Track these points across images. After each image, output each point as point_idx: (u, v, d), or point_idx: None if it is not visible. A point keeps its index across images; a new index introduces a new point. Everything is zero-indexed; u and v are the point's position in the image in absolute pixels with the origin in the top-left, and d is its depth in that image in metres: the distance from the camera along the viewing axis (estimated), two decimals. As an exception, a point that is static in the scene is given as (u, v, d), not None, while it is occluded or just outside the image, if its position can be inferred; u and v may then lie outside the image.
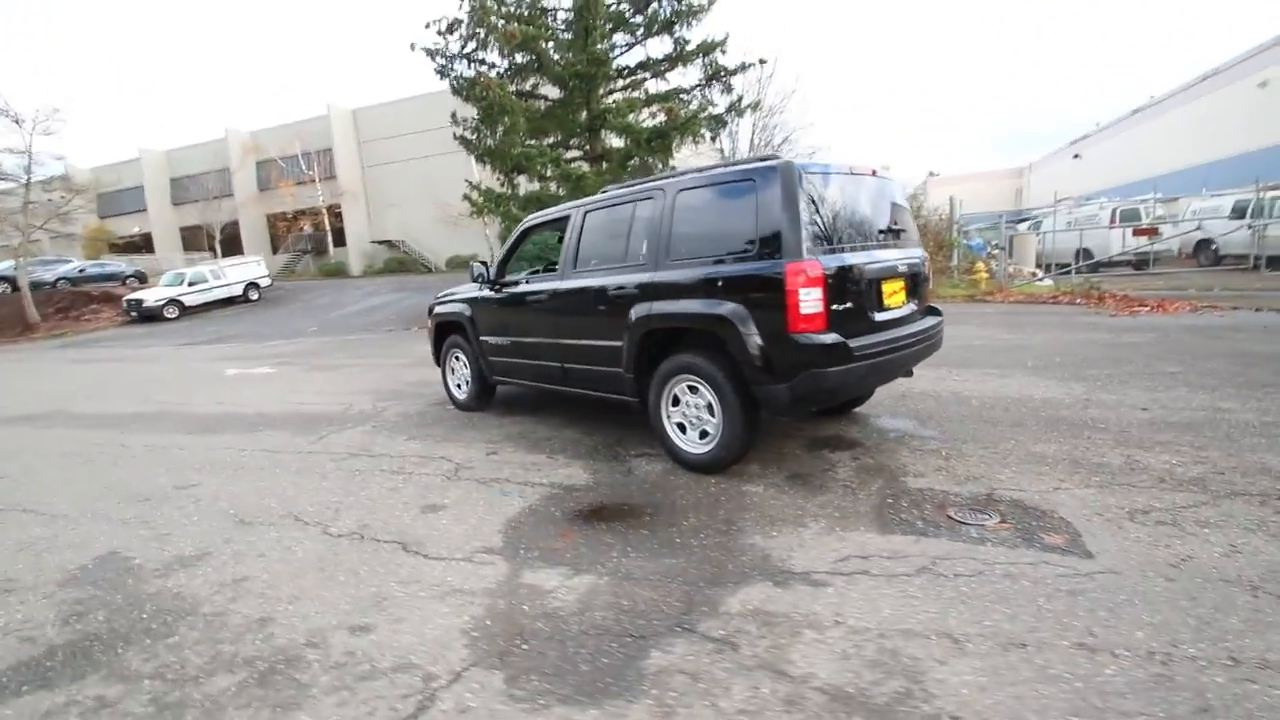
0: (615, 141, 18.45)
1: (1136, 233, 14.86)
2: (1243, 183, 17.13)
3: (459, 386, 5.96)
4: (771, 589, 2.49)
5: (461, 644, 2.27)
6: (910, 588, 2.42)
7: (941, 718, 1.75)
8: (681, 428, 3.90)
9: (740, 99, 16.95)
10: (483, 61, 17.33)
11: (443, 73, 17.17)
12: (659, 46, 18.51)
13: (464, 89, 16.95)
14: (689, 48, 16.74)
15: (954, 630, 2.13)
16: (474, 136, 16.97)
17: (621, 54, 17.41)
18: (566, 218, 4.69)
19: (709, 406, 3.71)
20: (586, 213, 4.49)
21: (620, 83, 17.85)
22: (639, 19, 16.96)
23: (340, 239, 34.10)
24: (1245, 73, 18.64)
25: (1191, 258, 16.80)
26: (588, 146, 17.72)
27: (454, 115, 16.96)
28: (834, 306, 3.34)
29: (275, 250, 34.81)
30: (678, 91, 17.34)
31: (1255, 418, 4.12)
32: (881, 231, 3.85)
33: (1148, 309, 10.28)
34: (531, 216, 5.19)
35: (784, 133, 25.33)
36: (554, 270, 5.31)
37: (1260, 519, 2.76)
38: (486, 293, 5.33)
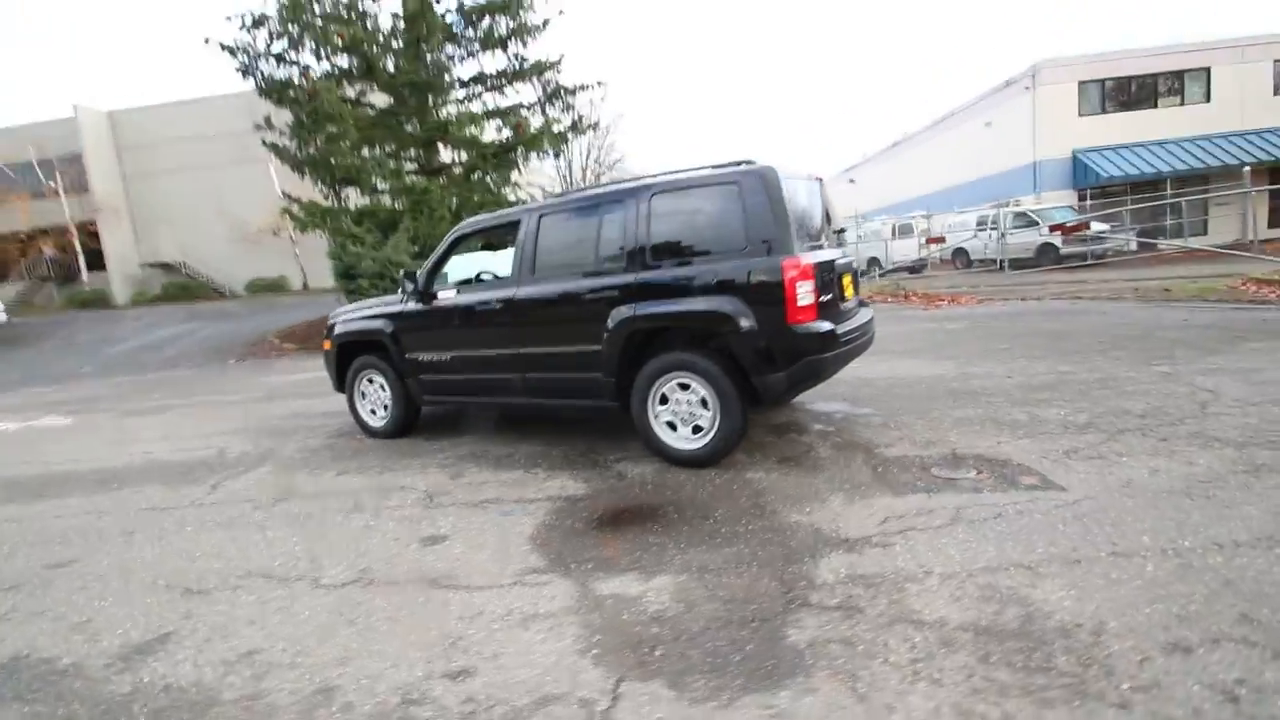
0: (452, 155, 17.78)
1: (929, 241, 17.77)
2: (977, 202, 21.40)
3: (373, 413, 5.35)
4: (847, 556, 2.65)
5: (588, 663, 2.10)
6: (958, 535, 2.74)
7: (1070, 628, 2.04)
8: (671, 426, 3.94)
9: (581, 118, 17.28)
10: (296, 63, 15.67)
11: (247, 71, 15.20)
12: (492, 62, 18.23)
13: (275, 91, 15.19)
14: (526, 64, 16.68)
15: (1021, 561, 2.47)
16: (293, 144, 15.21)
17: (456, 66, 16.84)
18: (515, 223, 4.50)
19: (703, 401, 3.81)
20: (541, 217, 4.35)
21: (457, 94, 17.25)
22: (472, 33, 16.54)
23: (98, 262, 28.26)
24: (976, 114, 23.39)
25: (950, 262, 20.62)
26: (423, 159, 16.81)
27: (268, 119, 15.07)
28: (820, 299, 3.65)
29: (3, 278, 27.80)
30: (518, 107, 17.18)
31: (1090, 375, 5.25)
32: (835, 231, 4.27)
33: (945, 302, 12.40)
34: (465, 223, 4.86)
35: (616, 153, 26.47)
36: (486, 280, 5.06)
37: (1153, 446, 3.56)
38: (413, 306, 4.88)
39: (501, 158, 15.97)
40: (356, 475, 4.39)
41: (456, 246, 4.86)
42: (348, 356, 5.40)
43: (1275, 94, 19.90)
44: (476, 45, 16.65)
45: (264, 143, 15.60)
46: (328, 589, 2.79)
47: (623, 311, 3.90)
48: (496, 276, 5.58)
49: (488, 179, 16.70)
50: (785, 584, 2.49)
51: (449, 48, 16.12)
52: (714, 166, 3.93)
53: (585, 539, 3.08)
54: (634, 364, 3.99)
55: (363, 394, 5.37)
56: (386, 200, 16.46)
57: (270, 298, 25.44)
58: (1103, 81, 20.77)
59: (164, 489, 4.50)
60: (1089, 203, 19.84)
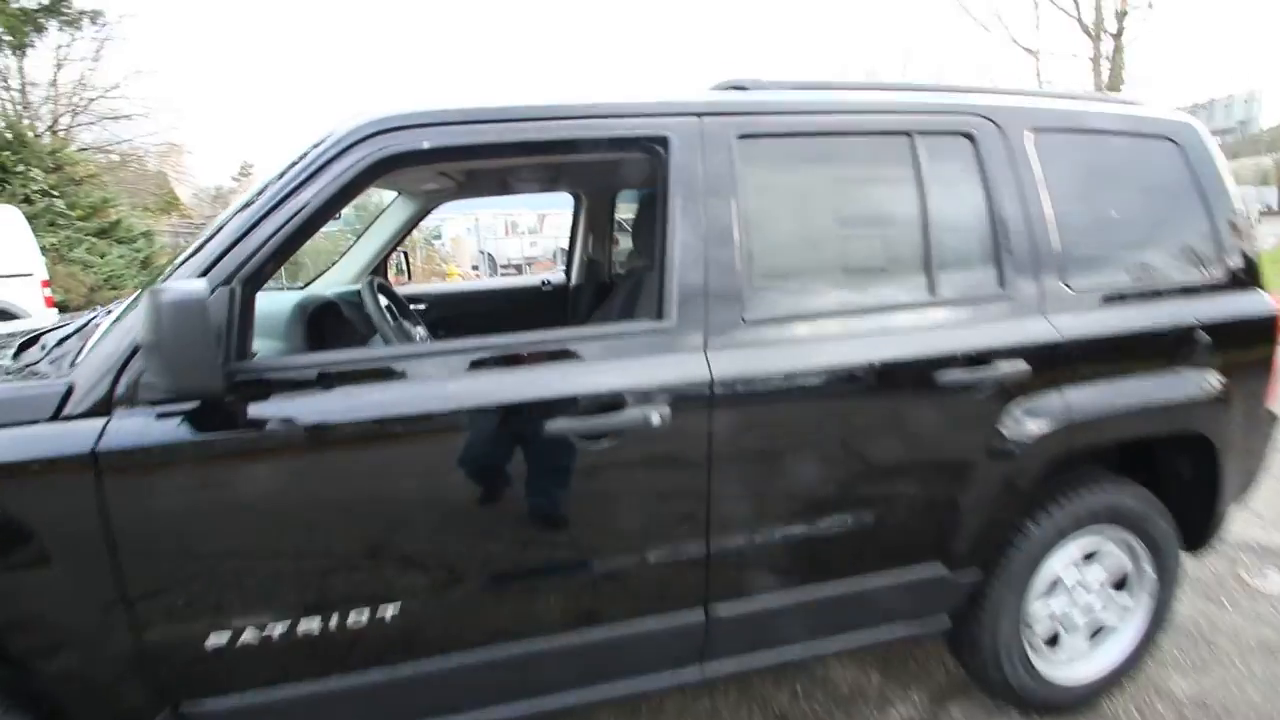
0: None
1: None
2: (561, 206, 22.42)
3: None
4: None
5: None
6: None
7: None
8: (1050, 640, 1.84)
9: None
10: None
11: None
12: None
13: None
14: None
15: None
16: None
17: None
18: (640, 141, 1.45)
19: (1118, 583, 1.86)
20: (741, 138, 1.47)
21: None
22: None
23: None
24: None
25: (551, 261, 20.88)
26: None
27: None
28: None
29: None
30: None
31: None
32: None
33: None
34: (404, 114, 1.33)
35: (113, 78, 16.50)
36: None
37: None
38: (168, 422, 1.14)
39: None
40: None
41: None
42: None
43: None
44: None
45: None
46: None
47: (1040, 406, 1.58)
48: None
49: None
50: None
51: None
52: (1097, 98, 1.98)
53: None
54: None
55: None
56: None
57: None
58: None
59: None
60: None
